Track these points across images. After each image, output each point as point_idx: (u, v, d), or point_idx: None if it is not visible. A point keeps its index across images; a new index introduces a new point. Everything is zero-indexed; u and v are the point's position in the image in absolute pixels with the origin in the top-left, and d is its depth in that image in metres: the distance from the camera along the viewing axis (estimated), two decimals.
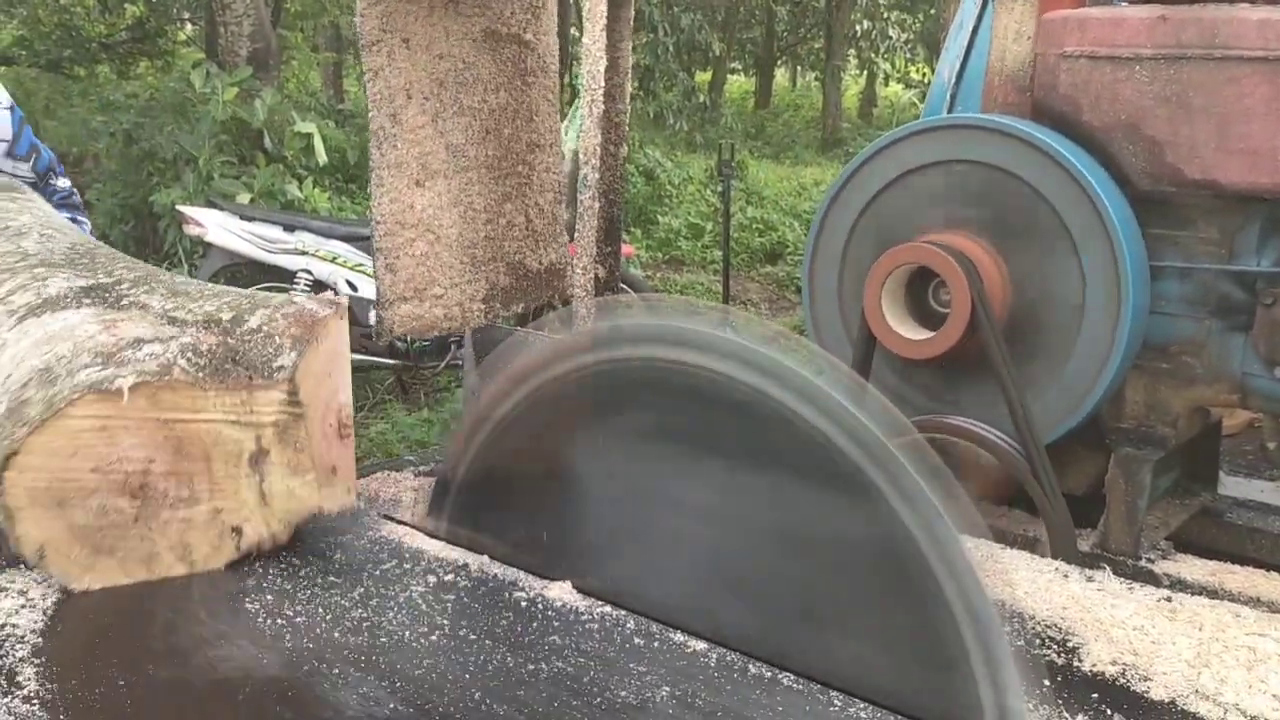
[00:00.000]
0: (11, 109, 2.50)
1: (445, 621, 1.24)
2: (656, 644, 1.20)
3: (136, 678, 1.10)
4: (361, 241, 5.16)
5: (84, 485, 1.22)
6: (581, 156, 1.97)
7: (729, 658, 1.17)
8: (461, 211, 1.49)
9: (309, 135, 7.55)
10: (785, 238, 11.12)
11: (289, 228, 5.14)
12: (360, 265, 5.11)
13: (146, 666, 1.12)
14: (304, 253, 5.02)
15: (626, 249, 8.32)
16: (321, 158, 7.67)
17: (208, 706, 1.05)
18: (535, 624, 1.24)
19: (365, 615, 1.25)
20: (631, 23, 1.94)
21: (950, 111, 2.30)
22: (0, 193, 1.93)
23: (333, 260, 5.04)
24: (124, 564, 1.26)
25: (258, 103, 7.25)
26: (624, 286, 6.09)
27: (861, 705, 1.09)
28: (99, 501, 1.24)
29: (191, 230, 5.05)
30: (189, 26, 14.33)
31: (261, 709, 1.05)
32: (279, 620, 1.23)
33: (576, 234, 1.98)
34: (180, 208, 5.45)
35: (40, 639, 1.16)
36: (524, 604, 1.28)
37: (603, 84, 1.91)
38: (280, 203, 6.91)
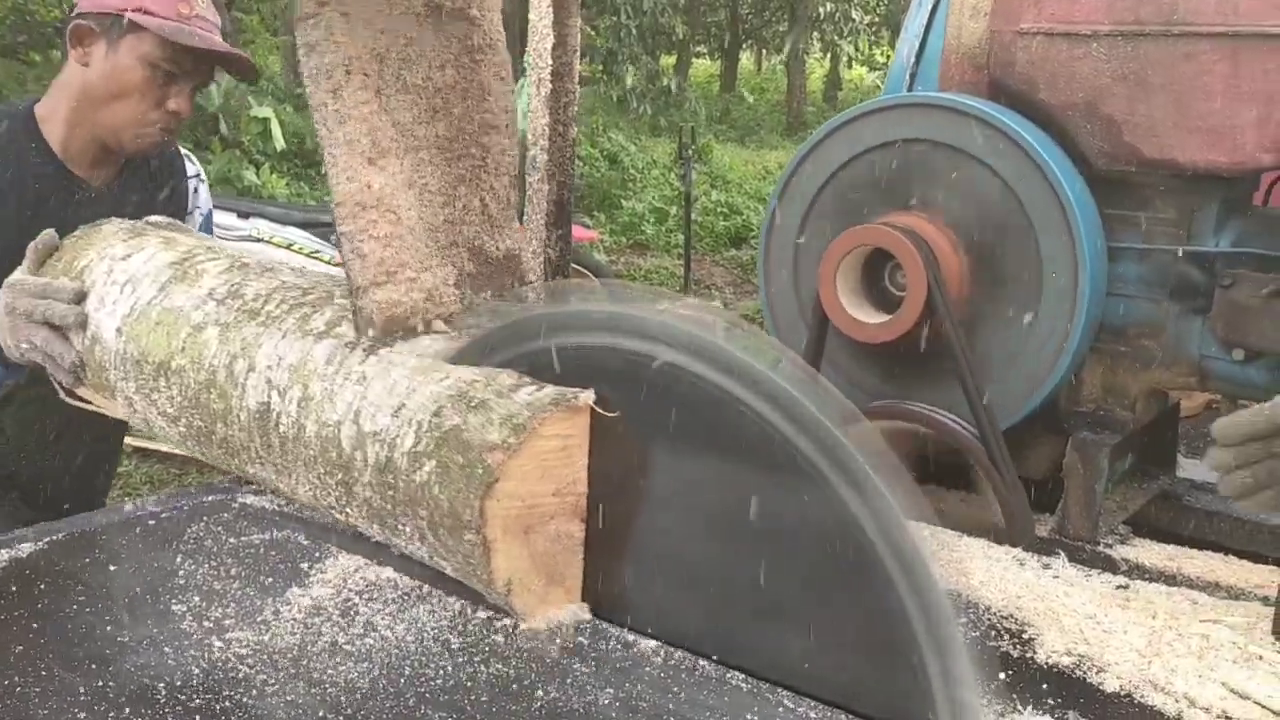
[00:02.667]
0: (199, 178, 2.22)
1: (382, 623, 1.19)
2: (601, 643, 1.16)
3: (50, 687, 1.05)
4: (318, 228, 5.07)
5: (545, 510, 1.18)
6: (530, 137, 1.92)
7: (675, 657, 1.13)
8: (417, 193, 1.44)
9: (266, 120, 7.45)
10: (750, 221, 11.13)
11: (243, 214, 5.05)
12: (316, 252, 5.03)
13: (61, 675, 1.07)
14: (259, 239, 4.93)
15: (590, 234, 8.27)
16: (279, 142, 7.57)
17: (124, 716, 1.00)
18: (476, 625, 1.20)
19: (298, 617, 1.20)
20: None
21: (910, 91, 2.26)
22: (186, 232, 1.80)
23: (288, 247, 4.95)
24: (570, 592, 1.21)
25: (213, 87, 7.11)
26: (586, 271, 6.08)
27: (811, 704, 1.05)
28: (555, 527, 1.19)
29: None
30: None
31: (182, 718, 1.00)
32: (206, 623, 1.18)
33: (526, 217, 1.93)
34: None
35: None
36: (464, 603, 1.24)
37: (550, 62, 1.87)
38: (237, 189, 6.82)
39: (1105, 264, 1.83)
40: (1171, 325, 1.84)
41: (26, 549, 1.35)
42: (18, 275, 1.67)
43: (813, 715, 1.04)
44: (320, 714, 1.02)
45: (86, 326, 1.61)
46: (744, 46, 24.39)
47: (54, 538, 1.38)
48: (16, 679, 1.06)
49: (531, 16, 1.81)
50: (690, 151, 7.48)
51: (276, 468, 1.39)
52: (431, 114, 1.45)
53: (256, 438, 1.40)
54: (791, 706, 1.05)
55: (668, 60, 18.62)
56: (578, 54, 1.86)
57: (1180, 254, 1.82)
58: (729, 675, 1.10)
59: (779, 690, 1.07)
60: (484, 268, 1.50)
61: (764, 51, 26.61)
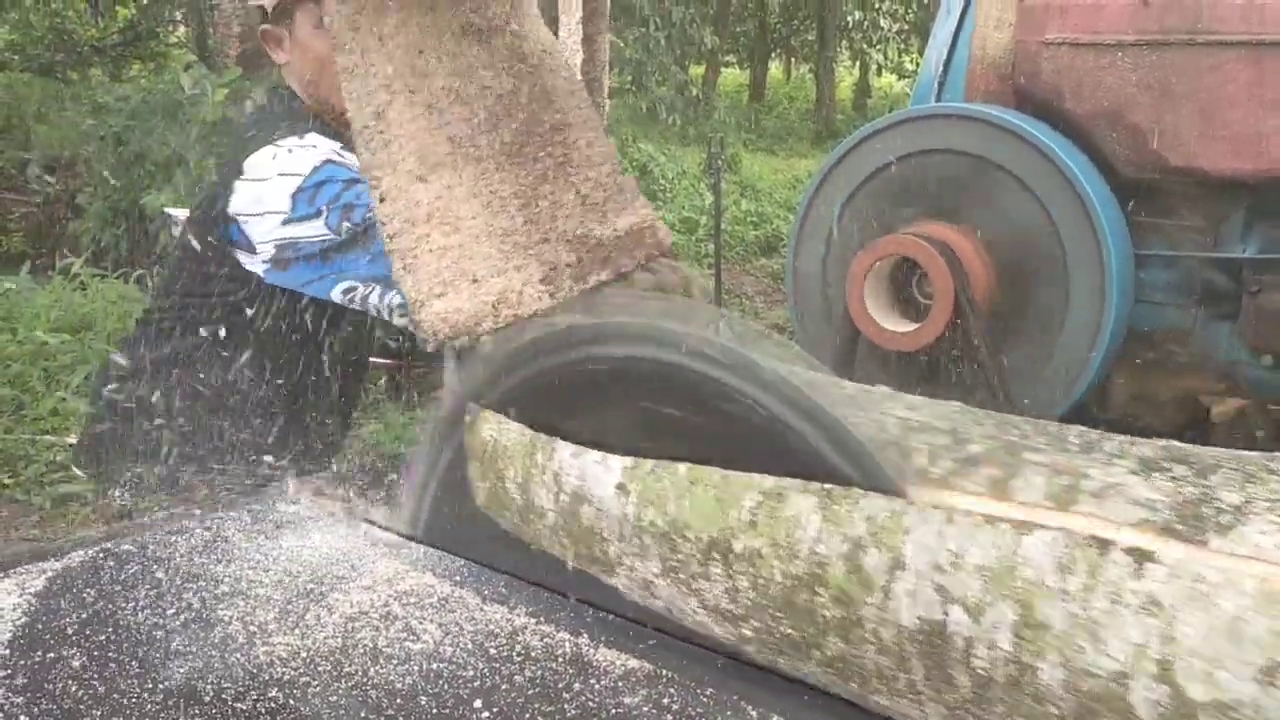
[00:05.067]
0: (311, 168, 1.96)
1: (420, 628, 1.22)
2: (631, 645, 1.18)
3: (100, 691, 1.08)
4: None
5: None
6: None
7: (705, 659, 1.15)
8: (484, 201, 1.44)
9: None
10: (780, 231, 11.13)
11: None
12: None
13: (110, 678, 1.10)
14: None
15: None
16: None
17: (172, 717, 1.04)
18: (511, 630, 1.22)
19: (339, 622, 1.23)
20: (608, 14, 1.92)
21: (938, 101, 2.28)
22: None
23: None
24: None
25: (248, 103, 7.20)
26: None
27: (840, 704, 1.07)
28: None
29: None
30: (180, 29, 14.29)
31: (228, 719, 1.04)
32: (250, 627, 1.21)
33: None
34: (168, 210, 5.44)
35: (6, 651, 1.15)
36: (500, 608, 1.27)
37: (580, 77, 1.90)
38: None
39: (1132, 271, 1.84)
40: (1200, 331, 1.85)
41: (78, 558, 1.39)
42: None
43: (842, 717, 1.06)
44: (362, 714, 1.05)
45: None
46: (773, 55, 24.39)
47: (103, 548, 1.42)
48: (71, 684, 1.10)
49: (561, 33, 1.85)
50: (720, 161, 7.50)
51: (952, 711, 0.98)
52: (494, 122, 1.45)
53: (917, 668, 0.98)
54: (825, 705, 1.07)
55: (696, 70, 18.66)
56: (606, 68, 1.89)
57: (1208, 260, 1.83)
58: (759, 675, 1.12)
59: (808, 691, 1.10)
60: (593, 252, 1.48)
61: (793, 60, 26.60)
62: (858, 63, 22.62)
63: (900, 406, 1.16)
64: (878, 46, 20.52)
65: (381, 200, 1.41)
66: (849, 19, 19.52)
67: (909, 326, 1.84)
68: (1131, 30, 1.82)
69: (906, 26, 20.73)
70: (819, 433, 1.08)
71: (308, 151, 1.96)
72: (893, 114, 1.97)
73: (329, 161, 1.93)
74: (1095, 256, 1.76)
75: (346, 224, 1.88)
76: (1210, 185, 1.80)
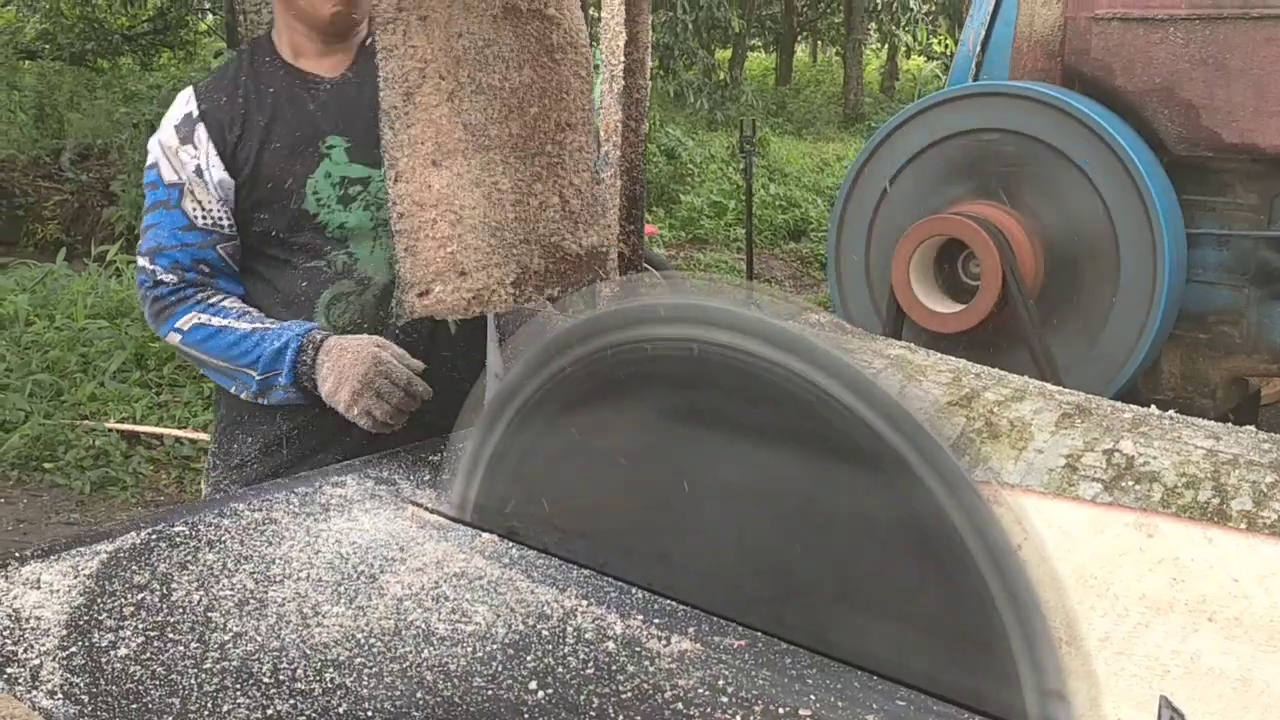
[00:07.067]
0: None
1: (472, 611, 1.22)
2: (683, 627, 1.18)
3: (160, 671, 1.09)
4: None
5: None
6: (602, 134, 1.94)
7: (760, 643, 1.15)
8: (485, 192, 1.46)
9: None
10: (809, 214, 11.10)
11: None
12: None
13: (171, 659, 1.11)
14: None
15: (649, 229, 8.29)
16: None
17: (227, 703, 1.04)
18: (563, 612, 1.22)
19: (390, 605, 1.23)
20: None
21: (976, 80, 2.25)
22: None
23: None
24: None
25: None
26: (646, 266, 6.09)
27: (899, 690, 1.06)
28: None
29: None
30: (210, 16, 14.34)
31: (281, 703, 1.04)
32: (305, 608, 1.22)
33: None
34: None
35: (65, 631, 1.16)
36: (551, 590, 1.27)
37: (622, 59, 1.88)
38: None
39: (1184, 251, 1.81)
40: (1252, 311, 1.82)
41: (130, 540, 1.40)
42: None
43: (901, 700, 1.05)
44: (416, 695, 1.06)
45: None
46: (799, 38, 24.26)
47: (155, 530, 1.43)
48: (132, 665, 1.10)
49: (604, 14, 1.83)
50: (751, 145, 7.47)
51: None
52: (506, 114, 1.47)
53: None
54: (883, 692, 1.06)
55: (723, 54, 18.59)
56: (649, 50, 1.88)
57: (1262, 239, 1.80)
58: (813, 660, 1.11)
59: (867, 676, 1.09)
60: (559, 265, 1.51)
61: (820, 43, 26.46)
62: (885, 45, 22.45)
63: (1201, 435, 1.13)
64: (906, 28, 20.32)
65: (396, 180, 1.43)
66: (876, 1, 19.37)
67: (955, 308, 1.82)
68: (1184, 4, 1.79)
69: (935, 8, 20.54)
70: (872, 410, 1.07)
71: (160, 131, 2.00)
72: (939, 92, 1.95)
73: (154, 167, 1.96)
74: (1146, 236, 1.74)
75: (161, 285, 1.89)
76: (1265, 162, 1.77)
